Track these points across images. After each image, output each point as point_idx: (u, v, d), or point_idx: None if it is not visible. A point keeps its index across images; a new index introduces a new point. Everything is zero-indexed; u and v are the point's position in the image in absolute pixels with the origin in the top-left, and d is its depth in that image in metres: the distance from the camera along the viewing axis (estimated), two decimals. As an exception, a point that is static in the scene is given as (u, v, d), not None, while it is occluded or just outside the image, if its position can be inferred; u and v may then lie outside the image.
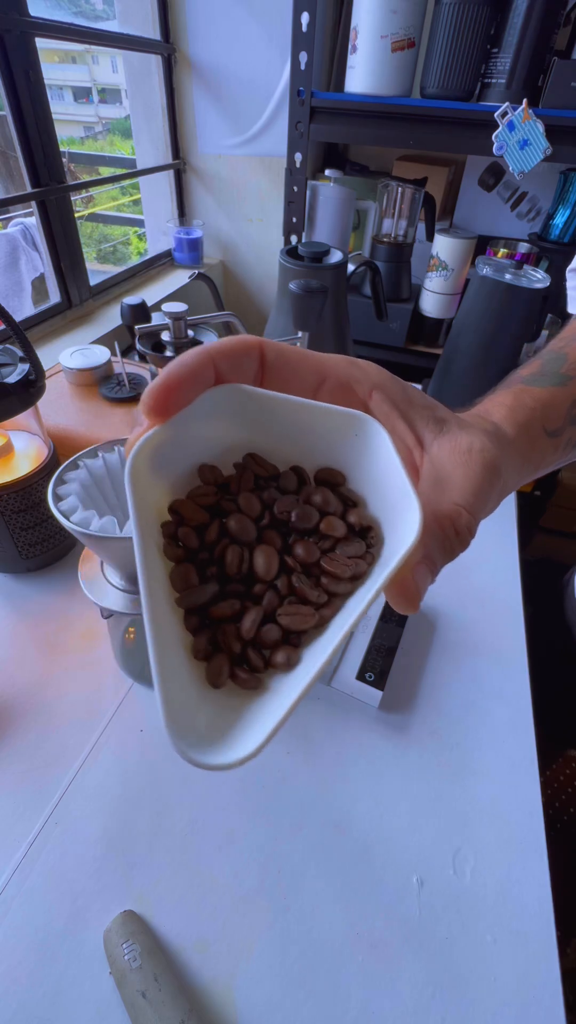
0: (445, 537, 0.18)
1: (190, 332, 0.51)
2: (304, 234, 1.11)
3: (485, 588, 0.57)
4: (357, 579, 0.18)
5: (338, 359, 0.20)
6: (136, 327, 0.50)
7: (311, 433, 0.19)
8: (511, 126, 0.82)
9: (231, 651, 0.17)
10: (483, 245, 1.16)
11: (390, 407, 0.20)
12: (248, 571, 0.18)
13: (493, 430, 0.23)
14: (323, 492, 0.19)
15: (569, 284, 0.67)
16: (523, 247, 1.13)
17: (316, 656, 0.16)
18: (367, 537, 0.19)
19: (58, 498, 0.34)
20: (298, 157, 1.00)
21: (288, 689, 0.16)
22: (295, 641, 0.17)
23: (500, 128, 0.82)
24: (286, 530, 0.19)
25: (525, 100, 0.81)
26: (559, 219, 1.12)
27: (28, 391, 0.46)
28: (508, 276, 0.74)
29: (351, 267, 0.73)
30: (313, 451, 0.20)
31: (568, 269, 0.63)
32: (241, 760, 0.14)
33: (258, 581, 0.18)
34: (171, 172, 1.31)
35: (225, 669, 0.16)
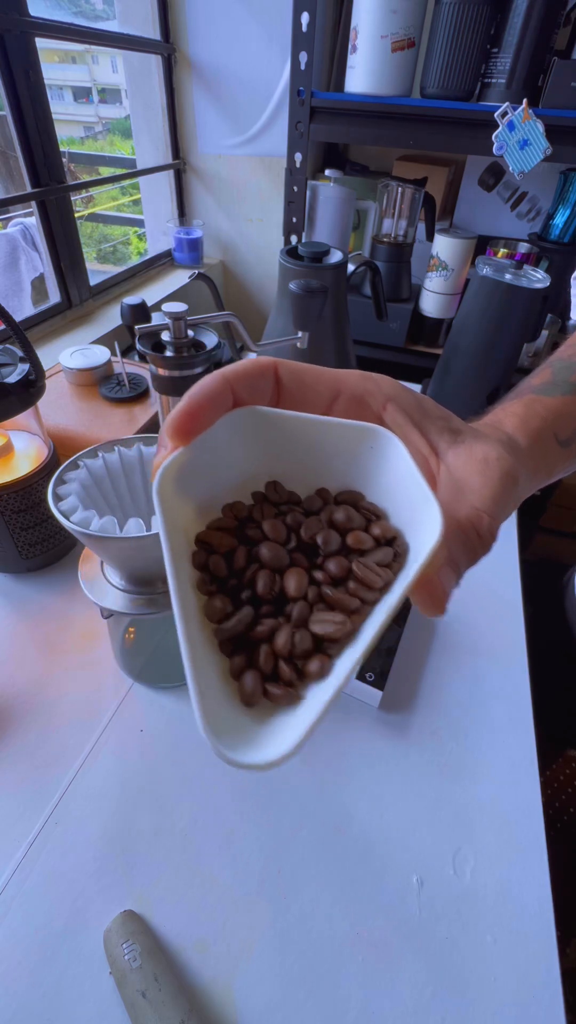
0: (468, 540, 0.19)
1: (190, 332, 0.51)
2: (304, 234, 1.11)
3: (485, 588, 0.57)
4: (387, 586, 0.18)
5: (351, 374, 0.20)
6: (136, 327, 0.50)
7: (327, 448, 0.20)
8: (511, 126, 0.82)
9: (264, 669, 0.17)
10: (483, 245, 1.16)
11: (404, 418, 0.20)
12: (279, 593, 0.18)
13: (506, 440, 0.23)
14: (345, 510, 0.19)
15: (573, 292, 0.67)
16: (523, 247, 1.13)
17: (346, 659, 0.16)
18: (394, 546, 0.19)
19: (58, 498, 0.34)
20: (298, 157, 1.00)
21: (320, 692, 0.16)
22: (329, 650, 0.17)
23: (500, 128, 0.82)
24: (312, 551, 0.19)
25: (525, 100, 0.81)
26: (559, 219, 1.12)
27: (28, 391, 0.46)
28: (508, 276, 0.74)
29: (351, 267, 0.73)
30: (330, 466, 0.20)
31: (573, 277, 0.63)
32: (278, 759, 0.14)
33: (289, 600, 0.18)
34: (171, 172, 1.31)
35: (258, 688, 0.16)
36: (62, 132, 0.92)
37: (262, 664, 0.17)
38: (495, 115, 0.81)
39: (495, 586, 0.58)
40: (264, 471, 0.20)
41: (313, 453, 0.20)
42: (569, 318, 1.23)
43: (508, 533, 0.64)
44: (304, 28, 0.86)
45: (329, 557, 0.18)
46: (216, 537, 0.18)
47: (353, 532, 0.19)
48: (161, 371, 0.51)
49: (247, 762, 0.14)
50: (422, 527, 0.17)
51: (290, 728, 0.15)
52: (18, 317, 0.96)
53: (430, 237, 1.13)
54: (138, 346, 0.50)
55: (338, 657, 0.17)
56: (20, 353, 0.47)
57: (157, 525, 0.16)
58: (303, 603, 0.17)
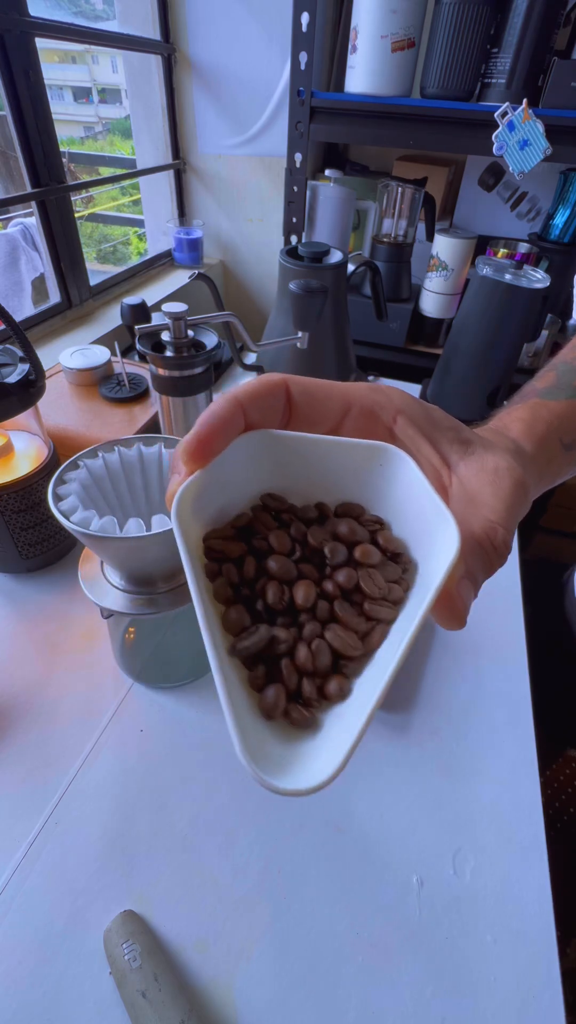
0: (484, 553, 0.19)
1: (190, 332, 0.51)
2: (304, 234, 1.11)
3: (485, 587, 0.57)
4: (397, 603, 0.18)
5: (361, 387, 0.21)
6: (136, 327, 0.50)
7: (338, 467, 0.20)
8: (511, 126, 0.82)
9: (288, 684, 0.17)
10: (483, 245, 1.16)
11: (415, 431, 0.20)
12: (290, 604, 0.18)
13: (514, 448, 0.23)
14: (348, 523, 0.20)
15: None
16: (523, 247, 1.13)
17: (374, 680, 0.16)
18: (399, 561, 0.19)
19: (58, 498, 0.34)
20: (298, 157, 1.00)
21: (352, 715, 0.16)
22: (345, 670, 0.17)
23: (500, 128, 0.82)
24: (319, 560, 0.19)
25: (525, 100, 0.81)
26: (559, 219, 1.12)
27: (28, 391, 0.46)
28: (508, 276, 0.74)
29: (351, 267, 0.73)
30: (342, 484, 0.21)
31: None
32: (319, 786, 0.14)
33: (301, 612, 0.18)
34: (171, 172, 1.31)
35: (280, 703, 0.16)
36: (62, 132, 0.92)
37: (286, 678, 0.17)
38: (495, 115, 0.81)
39: (495, 585, 0.57)
40: (276, 492, 0.21)
41: (324, 473, 0.20)
42: (570, 318, 1.23)
43: (508, 533, 0.64)
44: (304, 28, 0.86)
45: (337, 569, 0.18)
46: (224, 545, 0.18)
47: (361, 545, 0.19)
48: (161, 371, 0.51)
49: (287, 788, 0.14)
50: (436, 541, 0.18)
51: (322, 751, 0.15)
52: (18, 317, 0.96)
53: (430, 237, 1.13)
54: (138, 346, 0.50)
55: (357, 677, 0.17)
56: (20, 353, 0.47)
57: (180, 551, 0.17)
58: (315, 623, 0.18)
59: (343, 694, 0.17)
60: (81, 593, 0.38)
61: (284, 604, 0.18)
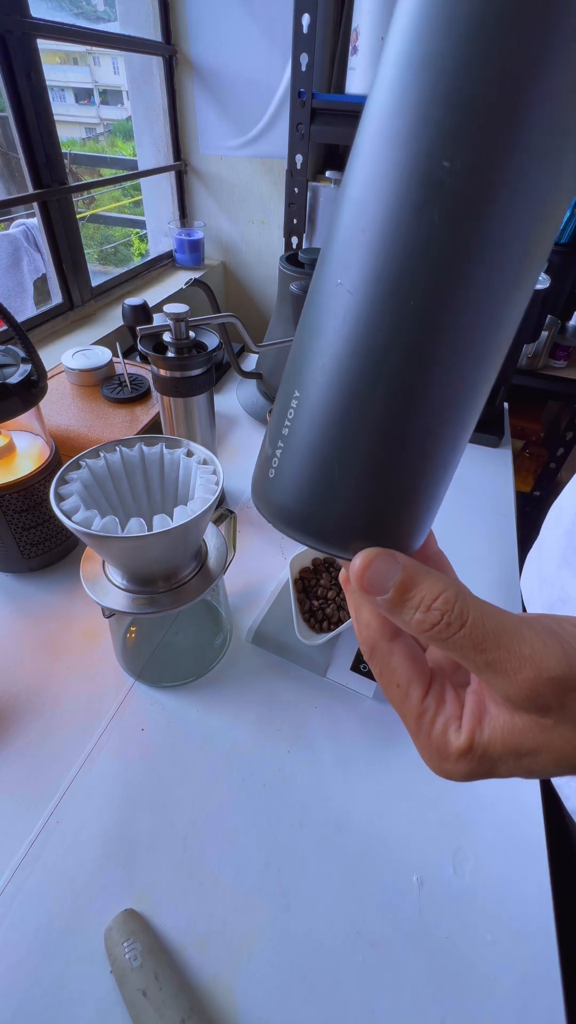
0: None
1: (191, 333, 0.51)
2: (305, 236, 1.11)
3: (485, 587, 0.57)
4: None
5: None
6: (137, 328, 0.50)
7: None
8: (512, 128, 0.82)
9: (323, 619, 0.49)
10: (484, 246, 1.16)
11: None
12: (326, 596, 0.51)
13: None
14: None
15: None
16: (524, 248, 1.13)
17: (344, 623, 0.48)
18: None
19: (60, 498, 0.34)
20: (299, 159, 1.00)
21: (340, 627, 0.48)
22: (341, 618, 0.49)
23: (501, 130, 0.82)
24: (338, 585, 0.52)
25: (526, 102, 0.81)
26: (560, 220, 1.12)
27: (30, 392, 0.46)
28: (509, 277, 0.74)
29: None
30: None
31: None
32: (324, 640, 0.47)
33: (331, 601, 0.50)
34: (172, 173, 1.31)
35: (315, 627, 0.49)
36: (64, 133, 0.93)
37: (322, 618, 0.49)
38: (496, 117, 0.81)
39: (495, 585, 0.58)
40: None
41: None
42: (570, 319, 1.23)
43: (508, 533, 0.64)
44: (305, 29, 0.87)
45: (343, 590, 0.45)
46: (305, 574, 0.53)
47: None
48: (162, 372, 0.51)
49: (315, 644, 0.47)
50: None
51: (325, 635, 0.47)
52: (21, 318, 0.96)
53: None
54: (139, 347, 0.50)
55: (345, 621, 0.48)
56: (22, 354, 0.47)
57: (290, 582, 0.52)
58: (335, 605, 0.50)
59: (341, 621, 0.48)
60: (83, 593, 0.38)
61: (327, 596, 0.51)
